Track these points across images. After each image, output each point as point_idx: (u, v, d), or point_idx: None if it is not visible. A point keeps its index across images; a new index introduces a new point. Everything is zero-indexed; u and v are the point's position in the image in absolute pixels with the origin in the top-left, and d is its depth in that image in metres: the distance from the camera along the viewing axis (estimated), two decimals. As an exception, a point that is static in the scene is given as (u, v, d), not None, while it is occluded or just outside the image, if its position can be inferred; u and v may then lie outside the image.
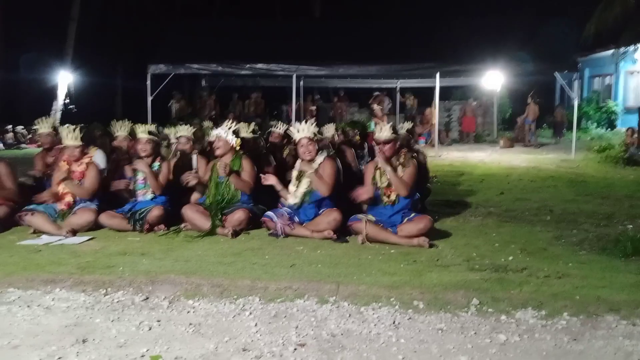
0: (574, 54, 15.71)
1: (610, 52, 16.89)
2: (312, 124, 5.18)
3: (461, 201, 6.85)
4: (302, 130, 5.07)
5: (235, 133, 5.31)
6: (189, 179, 5.20)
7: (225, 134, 5.22)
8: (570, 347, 2.79)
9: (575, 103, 13.36)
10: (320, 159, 5.06)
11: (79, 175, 5.22)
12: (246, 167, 5.22)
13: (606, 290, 3.48)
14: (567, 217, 5.94)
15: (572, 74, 14.81)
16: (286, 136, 6.87)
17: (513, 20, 14.58)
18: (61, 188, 5.20)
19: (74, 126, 5.40)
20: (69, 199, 5.17)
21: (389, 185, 4.88)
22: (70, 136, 5.23)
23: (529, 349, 2.76)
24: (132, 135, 6.04)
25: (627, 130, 13.69)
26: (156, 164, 5.34)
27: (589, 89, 21.19)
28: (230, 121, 5.78)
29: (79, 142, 5.24)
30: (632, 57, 16.97)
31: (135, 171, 5.33)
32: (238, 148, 5.29)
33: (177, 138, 6.04)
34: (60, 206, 5.16)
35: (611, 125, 18.33)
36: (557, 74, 13.11)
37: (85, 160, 5.28)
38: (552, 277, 3.78)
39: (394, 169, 4.87)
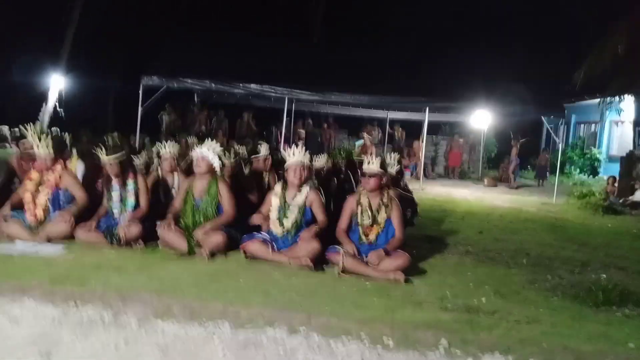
0: (561, 100, 16.07)
1: (597, 101, 17.31)
2: (303, 150, 5.21)
3: (441, 238, 6.89)
4: (295, 155, 5.11)
5: (219, 157, 5.31)
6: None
7: (209, 156, 5.21)
8: (533, 396, 2.81)
9: (560, 147, 13.61)
10: (306, 189, 5.08)
11: (52, 184, 5.16)
12: (223, 193, 5.19)
13: (573, 340, 3.52)
14: (543, 261, 6.01)
15: (558, 119, 15.16)
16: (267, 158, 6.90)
17: (504, 61, 14.91)
18: (29, 198, 5.12)
19: (45, 135, 5.34)
20: (39, 213, 5.10)
21: (370, 225, 4.90)
22: (42, 145, 5.16)
23: (492, 395, 2.77)
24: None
25: (608, 178, 13.95)
26: (130, 181, 5.30)
27: (575, 135, 21.62)
28: (217, 141, 5.77)
29: (50, 151, 5.17)
30: (618, 108, 17.37)
31: (109, 190, 5.29)
32: (218, 172, 5.28)
33: (159, 157, 6.03)
34: (30, 217, 5.09)
35: (594, 172, 18.66)
36: (543, 118, 13.36)
37: (58, 168, 5.22)
38: (522, 322, 3.81)
39: (378, 209, 4.90)
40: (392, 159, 6.38)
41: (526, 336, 3.50)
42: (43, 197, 5.14)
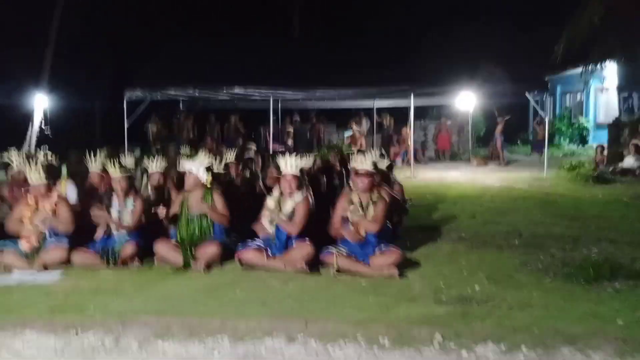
0: (544, 74, 16.16)
1: (580, 70, 17.40)
2: (298, 159, 5.24)
3: (434, 226, 6.98)
4: (290, 166, 5.17)
5: (208, 168, 5.37)
6: (160, 213, 5.23)
7: (196, 170, 5.27)
8: (526, 382, 2.90)
9: (547, 122, 13.69)
10: (299, 197, 5.13)
11: (48, 212, 5.15)
12: (217, 202, 5.27)
13: (565, 321, 3.62)
14: (535, 240, 6.10)
15: (542, 93, 15.25)
16: (247, 165, 6.95)
17: (485, 41, 14.97)
18: (25, 226, 5.16)
19: (35, 163, 5.37)
20: (32, 241, 5.13)
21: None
22: (34, 174, 5.17)
23: (487, 386, 2.86)
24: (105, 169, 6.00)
25: (597, 148, 14.07)
26: (129, 200, 5.36)
27: (561, 106, 21.72)
28: (205, 153, 5.82)
29: (43, 180, 5.18)
30: (601, 75, 17.46)
31: (107, 207, 5.34)
32: (209, 185, 5.34)
33: (148, 176, 6.07)
34: (25, 245, 5.12)
35: (583, 141, 18.79)
36: (528, 94, 13.44)
37: (54, 196, 5.26)
38: (514, 307, 3.90)
39: (367, 206, 4.97)
40: (380, 155, 6.43)
41: (518, 323, 3.59)
42: (39, 226, 5.16)
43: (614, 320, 3.62)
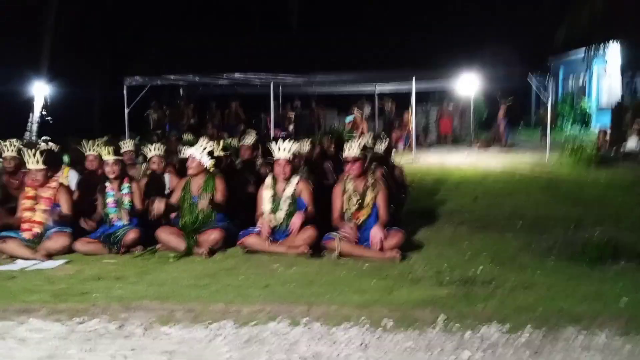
0: (546, 57, 16.04)
1: (582, 52, 17.26)
2: (288, 141, 5.23)
3: (436, 209, 6.97)
4: (282, 150, 5.13)
5: (210, 153, 5.36)
6: (157, 209, 5.12)
7: (199, 155, 5.27)
8: (530, 362, 2.90)
9: (549, 105, 13.62)
10: (295, 180, 5.12)
11: (47, 201, 5.17)
12: (219, 187, 5.27)
13: (569, 301, 3.62)
14: (537, 222, 6.09)
15: (544, 76, 15.15)
16: (257, 146, 6.93)
17: (487, 24, 14.83)
18: (27, 215, 5.16)
19: (34, 150, 5.35)
20: (36, 229, 5.12)
21: (358, 209, 4.95)
22: (32, 160, 5.16)
23: (491, 366, 2.86)
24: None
25: (599, 131, 14.00)
26: (125, 185, 5.34)
27: (564, 89, 21.60)
28: (206, 139, 5.80)
29: (41, 166, 5.17)
30: (603, 58, 17.32)
31: (105, 194, 5.33)
32: (211, 169, 5.33)
33: (147, 160, 6.06)
34: (27, 236, 5.11)
35: (586, 124, 18.70)
36: (530, 77, 13.35)
37: (53, 184, 5.25)
38: (518, 288, 3.90)
39: (364, 192, 4.95)
40: (381, 138, 6.41)
41: (522, 303, 3.59)
42: (41, 214, 5.16)
43: (618, 300, 3.61)
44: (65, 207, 5.18)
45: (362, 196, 4.98)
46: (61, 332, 3.40)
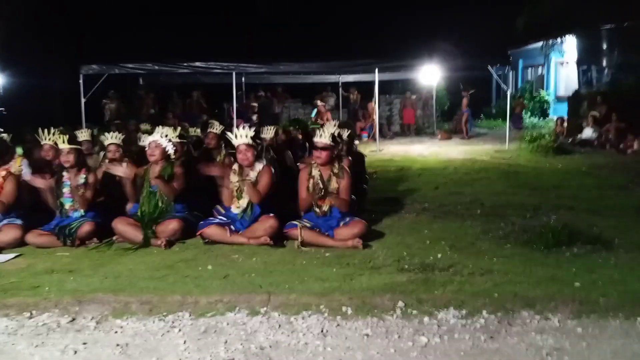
0: (506, 48, 16.31)
1: (541, 44, 17.65)
2: (250, 129, 5.16)
3: (398, 198, 7.01)
4: (240, 137, 5.05)
5: (171, 141, 5.24)
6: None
7: (163, 141, 5.14)
8: (486, 346, 2.94)
9: (508, 94, 13.87)
10: (259, 166, 5.06)
11: None
12: (178, 175, 5.15)
13: (524, 286, 3.68)
14: (496, 210, 6.19)
15: (505, 66, 15.42)
16: (222, 138, 6.83)
17: (449, 16, 14.98)
18: None
19: None
20: None
21: (322, 197, 4.94)
22: None
23: (448, 350, 2.89)
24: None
25: (557, 119, 14.37)
26: (82, 176, 5.18)
27: (523, 79, 22.06)
28: (165, 126, 5.66)
29: None
30: (561, 49, 17.75)
31: (60, 184, 5.16)
32: (173, 156, 5.22)
33: (105, 148, 5.90)
34: None
35: (544, 114, 19.15)
36: (490, 68, 13.56)
37: (2, 173, 5.05)
38: (475, 274, 3.95)
39: (328, 179, 4.94)
40: (345, 126, 6.40)
41: (479, 288, 3.64)
42: None
43: (572, 283, 3.70)
44: (7, 196, 4.97)
45: (327, 183, 4.96)
46: (9, 327, 3.28)
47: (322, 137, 5.02)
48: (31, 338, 3.14)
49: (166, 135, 5.24)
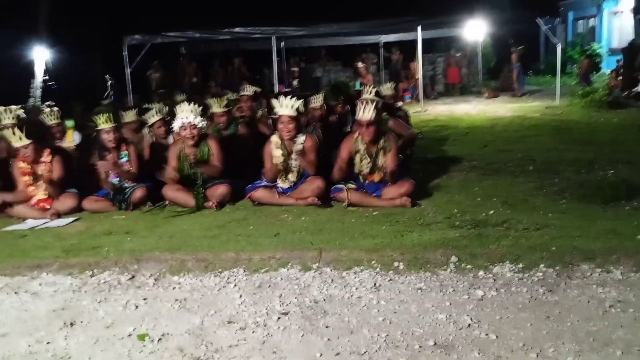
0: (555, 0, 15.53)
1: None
2: (293, 101, 4.92)
3: (445, 157, 6.88)
4: (285, 106, 4.90)
5: (203, 115, 5.20)
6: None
7: (195, 120, 5.05)
8: (545, 299, 2.87)
9: (559, 48, 13.26)
10: (301, 138, 4.95)
11: (46, 178, 5.06)
12: (214, 150, 5.11)
13: (582, 240, 3.56)
14: (549, 166, 6.00)
15: (554, 19, 14.69)
16: (256, 98, 6.73)
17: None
18: (31, 190, 5.08)
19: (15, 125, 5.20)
20: (46, 204, 5.05)
21: (371, 172, 4.83)
22: (15, 137, 4.99)
23: (505, 303, 2.84)
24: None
25: (611, 72, 13.67)
26: (124, 152, 5.27)
27: (573, 32, 21.02)
28: (211, 94, 5.65)
29: (26, 141, 4.98)
30: (615, -2, 16.78)
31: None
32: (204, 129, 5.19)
33: (150, 126, 5.96)
34: (35, 212, 5.01)
35: (596, 67, 18.25)
36: (539, 20, 12.95)
37: (47, 158, 5.10)
38: (530, 229, 3.85)
39: (376, 154, 4.80)
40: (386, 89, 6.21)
41: (535, 243, 3.54)
42: (43, 192, 5.09)
43: (633, 237, 3.55)
44: (58, 174, 5.09)
45: (375, 158, 4.82)
46: (74, 285, 3.43)
47: (366, 113, 4.71)
48: (94, 294, 3.27)
49: (191, 111, 5.10)
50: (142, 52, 13.02)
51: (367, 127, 4.76)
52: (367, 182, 4.86)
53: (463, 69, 16.91)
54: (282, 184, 4.99)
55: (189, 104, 5.19)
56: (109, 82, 15.16)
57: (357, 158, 4.86)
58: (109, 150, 5.26)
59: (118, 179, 5.23)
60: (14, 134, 5.02)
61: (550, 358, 2.32)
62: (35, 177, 5.09)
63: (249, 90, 6.55)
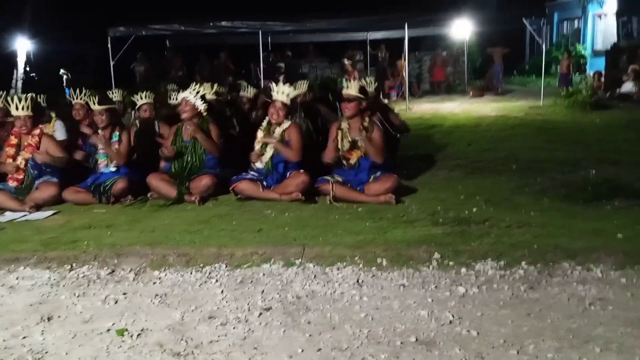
0: (541, 0, 15.65)
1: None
2: (287, 89, 5.07)
3: (430, 154, 6.89)
4: (281, 93, 5.01)
5: (202, 97, 5.22)
6: (166, 154, 5.11)
7: (192, 98, 5.14)
8: (526, 296, 2.88)
9: (543, 49, 13.36)
10: (286, 124, 5.01)
11: (31, 148, 5.05)
12: (213, 131, 5.17)
13: (564, 238, 3.59)
14: (533, 165, 6.03)
15: (540, 19, 14.80)
16: (256, 101, 6.77)
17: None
18: (10, 163, 5.06)
19: (22, 96, 5.21)
20: (19, 176, 5.05)
21: (350, 149, 4.87)
22: (20, 106, 5.02)
23: (486, 300, 2.85)
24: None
25: (594, 74, 13.81)
26: (116, 133, 5.23)
27: (558, 34, 21.21)
28: (197, 84, 5.63)
29: (29, 112, 5.05)
30: (600, 0, 16.95)
31: (95, 143, 5.22)
32: (205, 113, 5.20)
33: (137, 108, 5.91)
34: (13, 183, 5.04)
35: (580, 69, 18.44)
36: (525, 21, 13.04)
37: (37, 131, 5.12)
38: (513, 227, 3.86)
39: (358, 131, 4.84)
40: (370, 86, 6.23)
41: (517, 240, 3.56)
42: (23, 161, 5.06)
43: (614, 235, 3.59)
44: (55, 152, 5.06)
45: (356, 137, 4.87)
46: (52, 279, 3.37)
47: (350, 89, 4.93)
48: (73, 289, 3.22)
49: (197, 92, 5.22)
50: (126, 44, 12.85)
51: (349, 102, 4.86)
52: (347, 164, 4.87)
53: (449, 67, 16.95)
54: (258, 164, 5.01)
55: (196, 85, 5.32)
56: (65, 77, 14.99)
57: (339, 135, 4.90)
58: (103, 130, 5.25)
59: (104, 155, 5.18)
60: (18, 103, 5.01)
61: (530, 355, 2.33)
62: (18, 150, 5.05)
63: (249, 92, 6.57)
